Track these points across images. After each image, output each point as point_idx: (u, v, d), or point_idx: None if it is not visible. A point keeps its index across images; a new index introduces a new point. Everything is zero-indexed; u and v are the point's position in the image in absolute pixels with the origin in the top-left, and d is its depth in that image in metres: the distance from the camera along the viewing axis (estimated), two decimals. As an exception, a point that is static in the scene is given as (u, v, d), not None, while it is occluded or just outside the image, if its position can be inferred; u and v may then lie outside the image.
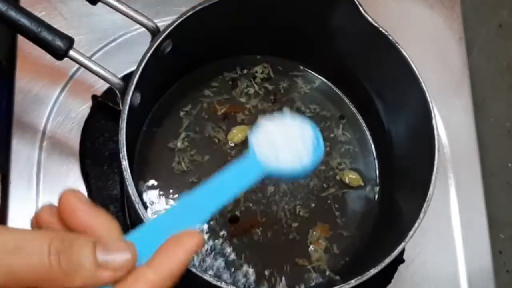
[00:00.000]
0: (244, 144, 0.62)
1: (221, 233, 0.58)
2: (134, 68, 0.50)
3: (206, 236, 0.57)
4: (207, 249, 0.57)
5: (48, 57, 0.49)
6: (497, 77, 0.72)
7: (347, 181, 0.62)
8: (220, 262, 0.57)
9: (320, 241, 0.59)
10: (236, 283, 0.56)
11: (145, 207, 0.57)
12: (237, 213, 0.59)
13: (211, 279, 0.44)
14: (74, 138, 0.61)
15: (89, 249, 0.29)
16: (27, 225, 0.58)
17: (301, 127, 0.43)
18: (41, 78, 0.62)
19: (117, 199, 0.60)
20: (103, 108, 0.62)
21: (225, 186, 0.38)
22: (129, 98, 0.49)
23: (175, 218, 0.34)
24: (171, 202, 0.58)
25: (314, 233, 0.59)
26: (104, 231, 0.31)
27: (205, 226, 0.58)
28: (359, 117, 0.65)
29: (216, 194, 0.37)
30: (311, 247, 0.59)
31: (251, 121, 0.63)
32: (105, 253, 0.29)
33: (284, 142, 0.42)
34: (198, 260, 0.57)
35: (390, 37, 0.54)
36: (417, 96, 0.54)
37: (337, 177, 0.62)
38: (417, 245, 0.63)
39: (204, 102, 0.63)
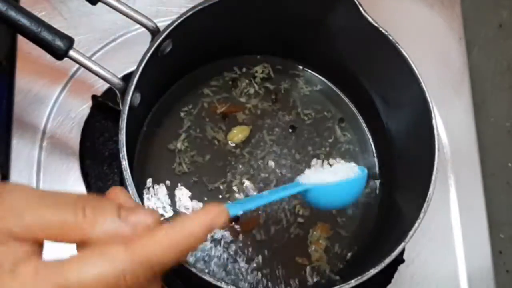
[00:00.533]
0: (244, 144, 0.62)
1: (223, 234, 0.58)
2: (134, 68, 0.50)
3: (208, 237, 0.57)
4: (209, 249, 0.57)
5: (48, 57, 0.49)
6: (497, 77, 0.72)
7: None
8: (222, 262, 0.57)
9: (320, 241, 0.59)
10: (237, 283, 0.56)
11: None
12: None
13: (211, 279, 0.44)
14: (74, 138, 0.61)
15: (113, 206, 0.32)
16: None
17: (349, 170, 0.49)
18: (41, 78, 0.63)
19: (117, 199, 0.60)
20: (103, 108, 0.62)
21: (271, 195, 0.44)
22: (129, 98, 0.49)
23: None
24: (171, 201, 0.58)
25: (315, 233, 0.59)
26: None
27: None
28: (359, 117, 0.65)
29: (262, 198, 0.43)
30: (312, 247, 0.59)
31: (251, 121, 0.63)
32: (128, 213, 0.32)
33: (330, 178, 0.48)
34: (201, 257, 0.57)
35: (390, 37, 0.54)
36: (417, 96, 0.54)
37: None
38: (417, 245, 0.63)
39: (204, 102, 0.63)
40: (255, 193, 0.60)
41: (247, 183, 0.60)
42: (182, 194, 0.59)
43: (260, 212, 0.59)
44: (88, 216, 0.31)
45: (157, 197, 0.59)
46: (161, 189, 0.59)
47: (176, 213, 0.58)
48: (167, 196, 0.59)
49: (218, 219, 0.34)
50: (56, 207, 0.31)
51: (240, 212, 0.38)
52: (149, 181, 0.59)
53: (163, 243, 0.32)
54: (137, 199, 0.47)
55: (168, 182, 0.59)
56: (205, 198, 0.59)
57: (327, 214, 0.60)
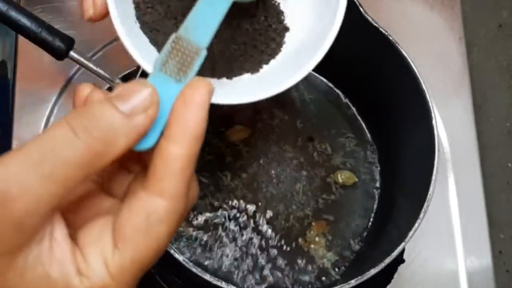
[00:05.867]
0: (243, 143, 0.62)
1: (223, 236, 0.58)
2: (134, 68, 0.50)
3: (207, 238, 0.58)
4: (209, 249, 0.57)
5: (49, 57, 0.49)
6: (497, 77, 0.72)
7: (340, 180, 0.62)
8: (221, 263, 0.57)
9: (318, 239, 0.59)
10: (236, 284, 0.56)
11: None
12: (237, 214, 0.59)
13: (211, 279, 0.45)
14: (74, 138, 0.61)
15: (108, 106, 0.27)
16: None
17: None
18: (42, 79, 0.62)
19: (117, 199, 0.60)
20: (104, 108, 0.62)
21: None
22: (129, 98, 0.49)
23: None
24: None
25: (313, 232, 0.59)
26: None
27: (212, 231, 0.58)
28: (359, 117, 0.65)
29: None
30: (311, 247, 0.59)
31: (251, 120, 0.63)
32: (124, 101, 0.27)
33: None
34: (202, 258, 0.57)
35: (390, 37, 0.54)
36: (416, 96, 0.54)
37: (334, 177, 0.62)
38: (417, 245, 0.63)
39: (204, 102, 0.63)
40: (250, 195, 0.60)
41: (246, 181, 0.60)
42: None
43: (257, 212, 0.59)
44: (96, 136, 0.26)
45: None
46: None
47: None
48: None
49: (208, 98, 0.29)
50: (58, 153, 0.26)
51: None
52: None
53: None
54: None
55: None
56: (204, 198, 0.59)
57: (327, 214, 0.60)
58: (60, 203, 0.26)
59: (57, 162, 0.25)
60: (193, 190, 0.31)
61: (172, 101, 0.29)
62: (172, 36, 0.32)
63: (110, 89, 0.55)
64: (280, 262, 0.58)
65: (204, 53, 0.32)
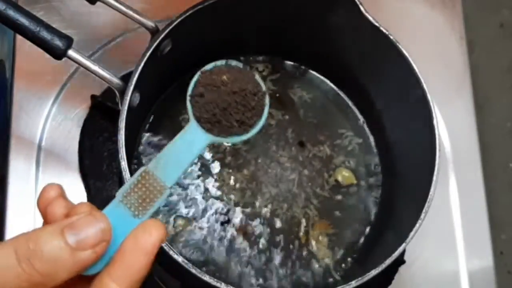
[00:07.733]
0: (243, 143, 0.61)
1: (223, 236, 0.58)
2: (133, 68, 0.50)
3: (206, 239, 0.57)
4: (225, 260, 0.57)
5: (47, 56, 0.49)
6: (498, 77, 0.72)
7: (340, 180, 0.61)
8: (220, 262, 0.57)
9: (320, 238, 0.59)
10: (236, 284, 0.56)
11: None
12: (237, 214, 0.59)
13: (210, 280, 0.44)
14: (73, 138, 0.61)
15: (57, 237, 0.28)
16: (26, 226, 0.58)
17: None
18: (40, 78, 0.62)
19: (116, 200, 0.59)
20: (102, 108, 0.61)
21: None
22: (128, 98, 0.49)
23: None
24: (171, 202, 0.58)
25: (315, 233, 0.59)
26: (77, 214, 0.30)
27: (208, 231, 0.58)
28: (360, 117, 0.65)
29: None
30: (312, 247, 0.59)
31: (251, 121, 0.63)
32: (76, 233, 0.28)
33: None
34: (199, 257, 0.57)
35: (391, 37, 0.54)
36: (417, 96, 0.54)
37: (335, 175, 0.62)
38: (418, 246, 0.63)
39: (203, 102, 0.63)
40: (249, 193, 0.60)
41: (245, 181, 0.60)
42: (179, 195, 0.59)
43: (257, 213, 0.59)
44: (39, 268, 0.27)
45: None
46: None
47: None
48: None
49: (157, 246, 0.30)
50: None
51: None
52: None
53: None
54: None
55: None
56: (203, 201, 0.59)
57: (327, 214, 0.60)
58: None
59: None
60: None
61: (125, 233, 0.29)
62: (141, 169, 0.32)
63: (109, 89, 0.55)
64: (281, 261, 0.58)
65: (167, 192, 0.32)
